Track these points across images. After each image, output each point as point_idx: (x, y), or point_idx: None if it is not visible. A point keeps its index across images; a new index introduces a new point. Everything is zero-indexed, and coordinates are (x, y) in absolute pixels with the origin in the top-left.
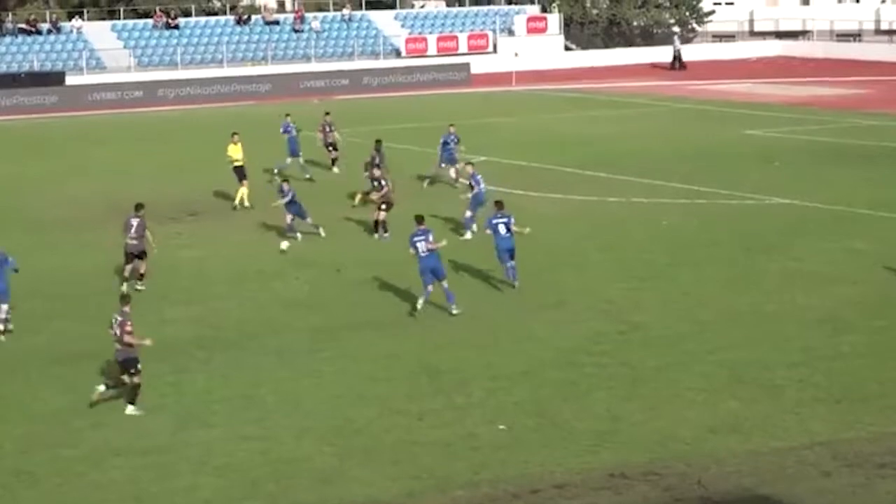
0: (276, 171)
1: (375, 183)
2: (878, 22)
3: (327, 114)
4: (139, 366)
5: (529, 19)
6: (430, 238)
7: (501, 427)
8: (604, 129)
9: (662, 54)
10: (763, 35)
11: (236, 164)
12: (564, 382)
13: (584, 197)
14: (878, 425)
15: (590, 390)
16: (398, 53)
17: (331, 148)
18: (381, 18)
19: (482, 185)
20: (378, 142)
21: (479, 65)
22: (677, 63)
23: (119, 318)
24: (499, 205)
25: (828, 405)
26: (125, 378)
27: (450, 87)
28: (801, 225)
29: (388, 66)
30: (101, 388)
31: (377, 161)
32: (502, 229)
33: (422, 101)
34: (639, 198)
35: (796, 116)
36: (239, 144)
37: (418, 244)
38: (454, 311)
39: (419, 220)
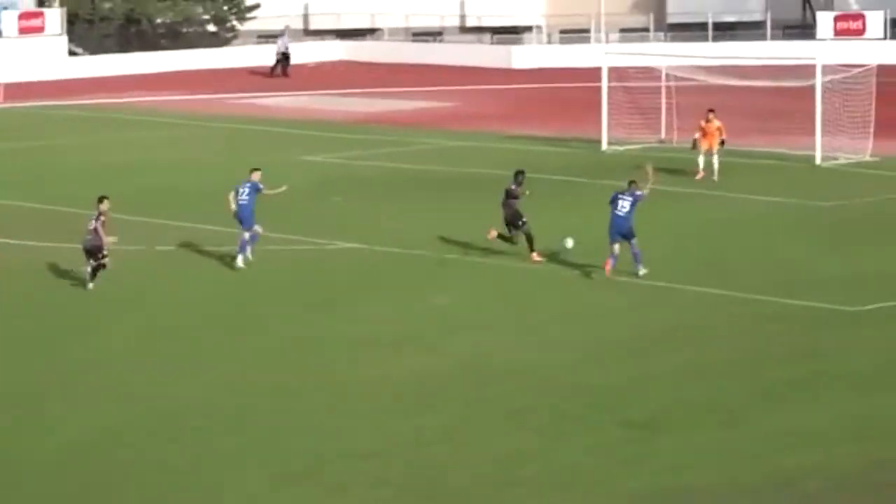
0: None
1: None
2: (462, 17)
3: None
4: None
5: (21, 16)
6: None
7: None
8: (120, 158)
9: (195, 59)
10: (321, 34)
11: None
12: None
13: None
14: None
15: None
16: None
17: None
18: None
19: None
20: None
21: None
22: (280, 67)
23: None
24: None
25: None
26: None
27: None
28: (370, 275)
29: None
30: None
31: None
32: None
33: None
34: (166, 245)
35: (365, 137)
36: None
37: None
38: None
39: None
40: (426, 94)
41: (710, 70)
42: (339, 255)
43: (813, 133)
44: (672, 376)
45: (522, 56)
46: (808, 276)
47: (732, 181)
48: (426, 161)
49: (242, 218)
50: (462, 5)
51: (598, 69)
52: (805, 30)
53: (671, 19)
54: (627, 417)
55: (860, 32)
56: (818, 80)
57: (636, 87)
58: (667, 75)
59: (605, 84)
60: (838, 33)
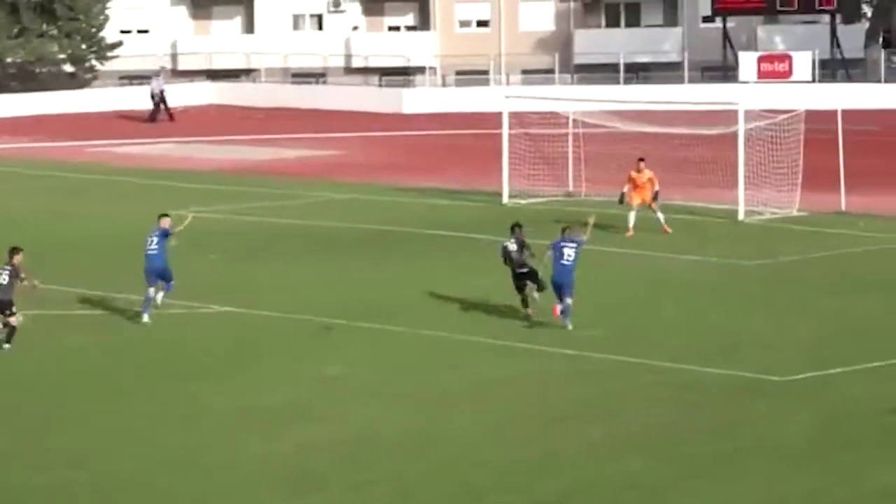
0: None
1: None
2: (348, 57)
3: None
4: None
5: None
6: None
7: None
8: None
9: (50, 102)
10: (191, 75)
11: None
12: None
13: None
14: None
15: None
16: None
17: None
18: None
19: None
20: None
21: None
22: (160, 111)
23: None
24: None
25: None
26: None
27: None
28: (251, 342)
29: None
30: None
31: None
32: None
33: None
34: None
35: (241, 189)
36: None
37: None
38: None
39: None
40: (309, 142)
41: (622, 115)
42: (215, 320)
43: (735, 185)
44: (586, 451)
45: (414, 100)
46: (733, 341)
47: (650, 238)
48: (310, 216)
49: (152, 271)
50: (347, 44)
51: (498, 114)
52: (726, 72)
53: (578, 60)
54: (536, 497)
55: (786, 75)
56: (741, 127)
57: (540, 134)
58: (574, 121)
59: (505, 131)
60: (762, 76)
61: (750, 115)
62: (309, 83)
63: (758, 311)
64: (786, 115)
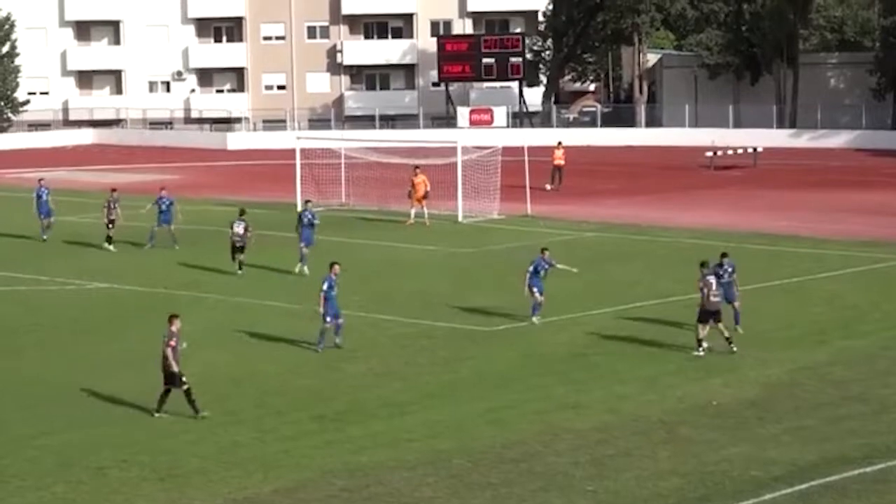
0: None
1: None
2: (187, 111)
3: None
4: None
5: None
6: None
7: None
8: None
9: None
10: (78, 124)
11: None
12: None
13: None
14: (201, 499)
15: None
16: None
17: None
18: None
19: None
20: None
21: None
22: None
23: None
24: None
25: (152, 483)
26: None
27: None
28: (122, 308)
29: None
30: None
31: None
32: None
33: None
34: None
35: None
36: None
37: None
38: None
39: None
40: (161, 169)
41: (378, 151)
42: (96, 294)
43: (455, 198)
44: (355, 381)
45: (235, 140)
46: (453, 304)
47: (395, 233)
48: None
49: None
50: (187, 102)
51: (293, 150)
52: (449, 120)
53: (348, 112)
54: (318, 413)
55: (489, 122)
56: (459, 158)
57: (321, 163)
58: (345, 155)
59: (298, 161)
60: (473, 123)
61: (465, 150)
62: (160, 129)
63: (471, 284)
64: (489, 150)
